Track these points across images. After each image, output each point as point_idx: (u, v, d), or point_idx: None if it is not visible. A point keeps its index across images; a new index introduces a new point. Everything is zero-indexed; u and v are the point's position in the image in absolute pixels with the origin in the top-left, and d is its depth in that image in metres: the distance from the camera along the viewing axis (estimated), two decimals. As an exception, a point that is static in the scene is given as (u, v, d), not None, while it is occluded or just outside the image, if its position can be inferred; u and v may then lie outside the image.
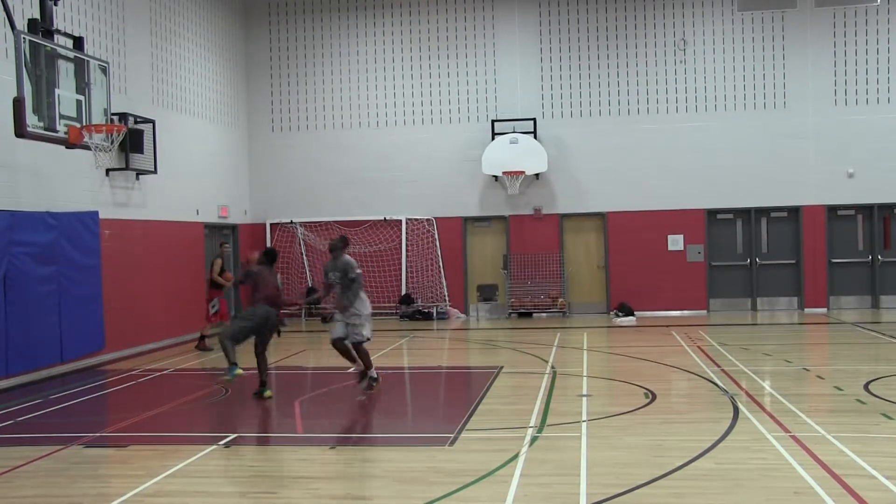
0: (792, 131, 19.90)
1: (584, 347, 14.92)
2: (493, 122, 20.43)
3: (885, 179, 19.60)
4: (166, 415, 10.14)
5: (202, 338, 15.82)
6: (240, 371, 10.58)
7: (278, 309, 11.01)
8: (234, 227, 20.42)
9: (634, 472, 6.94)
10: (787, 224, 20.25)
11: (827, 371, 11.98)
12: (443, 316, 20.46)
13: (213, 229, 19.38)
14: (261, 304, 10.76)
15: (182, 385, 12.39)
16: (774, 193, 19.99)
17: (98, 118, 12.72)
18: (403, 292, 20.78)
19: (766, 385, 10.90)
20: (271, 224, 21.25)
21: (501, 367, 12.70)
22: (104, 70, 13.04)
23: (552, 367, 12.54)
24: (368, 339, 10.83)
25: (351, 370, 11.59)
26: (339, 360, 14.36)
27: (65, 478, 7.35)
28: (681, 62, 20.30)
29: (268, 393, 10.82)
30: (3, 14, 11.78)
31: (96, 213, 14.45)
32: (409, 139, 20.94)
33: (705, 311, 20.17)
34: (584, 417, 9.09)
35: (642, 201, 20.25)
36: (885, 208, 19.90)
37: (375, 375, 10.95)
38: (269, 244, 21.16)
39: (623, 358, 13.59)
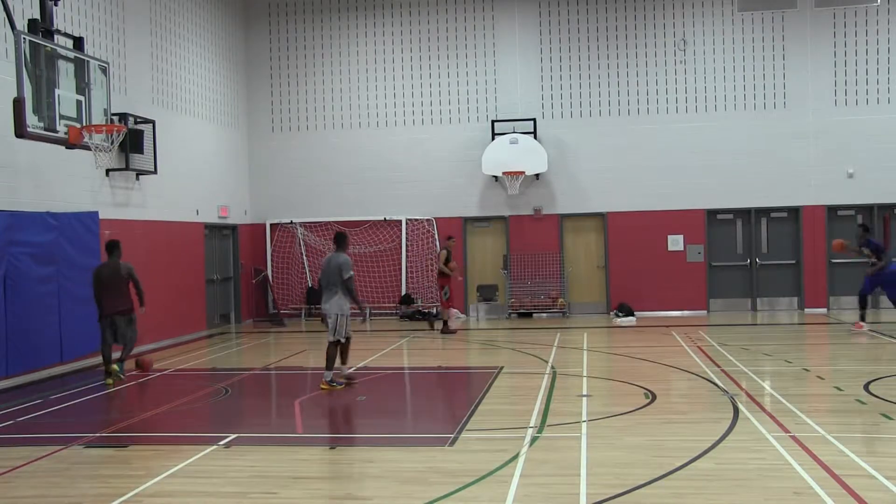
0: (792, 131, 19.90)
1: (584, 347, 14.92)
2: (493, 122, 20.43)
3: (885, 179, 19.60)
4: (166, 415, 10.14)
5: (445, 323, 17.43)
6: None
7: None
8: (234, 227, 20.42)
9: (634, 472, 6.94)
10: (787, 224, 20.25)
11: (827, 371, 11.98)
12: (443, 316, 20.44)
13: (213, 229, 19.39)
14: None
15: (182, 385, 12.39)
16: (774, 193, 20.00)
17: (98, 118, 12.71)
18: (403, 292, 20.78)
19: (766, 385, 10.90)
20: (271, 224, 21.25)
21: (501, 368, 12.69)
22: (104, 70, 13.04)
23: (552, 368, 12.54)
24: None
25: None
26: (339, 360, 14.38)
27: (65, 478, 7.35)
28: (681, 62, 20.29)
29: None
30: (3, 14, 11.78)
31: (96, 213, 14.44)
32: (409, 139, 20.94)
33: (705, 312, 20.16)
34: (584, 417, 9.09)
35: (642, 201, 20.25)
36: (885, 208, 19.90)
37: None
38: (268, 244, 21.19)
39: (623, 358, 13.59)
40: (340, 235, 11.45)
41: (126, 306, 12.51)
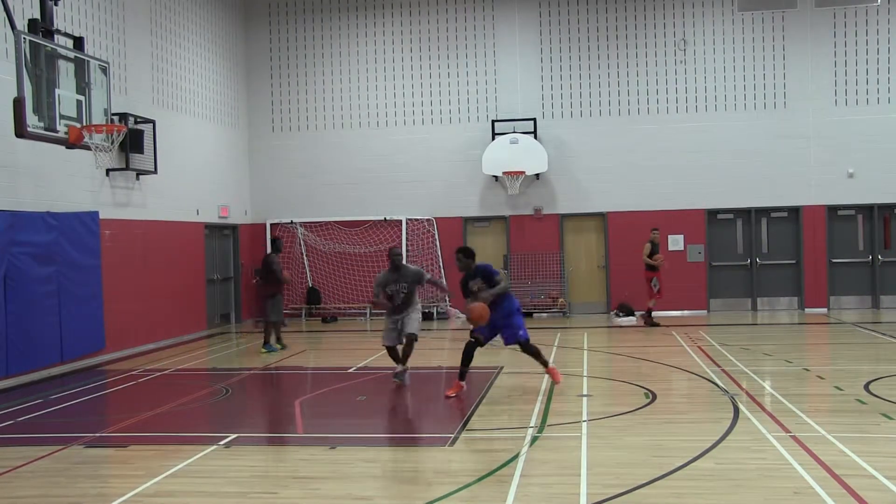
0: (792, 131, 19.90)
1: (585, 347, 14.92)
2: (493, 122, 20.43)
3: (885, 179, 19.60)
4: (166, 415, 10.13)
5: (649, 313, 17.88)
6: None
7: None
8: (234, 227, 20.42)
9: (634, 472, 6.94)
10: (787, 224, 20.25)
11: (827, 371, 11.98)
12: (443, 316, 20.45)
13: (214, 229, 19.39)
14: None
15: (182, 385, 12.39)
16: (774, 193, 20.00)
17: (98, 118, 12.72)
18: (403, 292, 20.74)
19: (767, 385, 10.89)
20: (271, 224, 21.24)
21: (501, 367, 12.69)
22: (104, 70, 13.04)
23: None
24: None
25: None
26: (339, 360, 14.42)
27: (65, 478, 7.35)
28: (681, 62, 20.29)
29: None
30: (4, 14, 11.79)
31: (96, 213, 14.45)
32: (409, 139, 20.94)
33: (705, 311, 20.16)
34: (584, 417, 9.09)
35: (642, 201, 20.25)
36: (885, 208, 19.89)
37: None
38: (269, 244, 21.18)
39: (623, 358, 13.59)
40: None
41: (268, 292, 14.95)
